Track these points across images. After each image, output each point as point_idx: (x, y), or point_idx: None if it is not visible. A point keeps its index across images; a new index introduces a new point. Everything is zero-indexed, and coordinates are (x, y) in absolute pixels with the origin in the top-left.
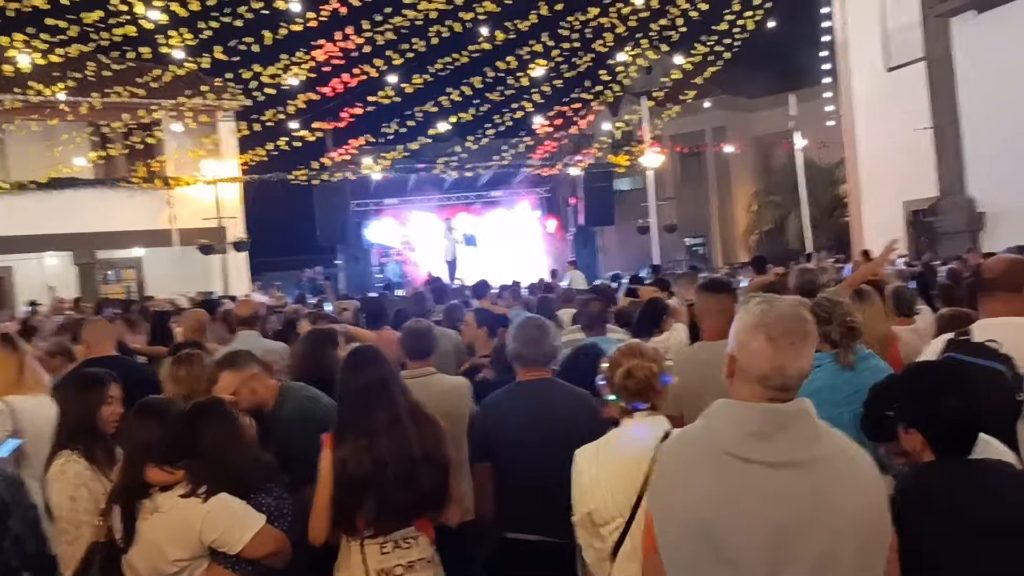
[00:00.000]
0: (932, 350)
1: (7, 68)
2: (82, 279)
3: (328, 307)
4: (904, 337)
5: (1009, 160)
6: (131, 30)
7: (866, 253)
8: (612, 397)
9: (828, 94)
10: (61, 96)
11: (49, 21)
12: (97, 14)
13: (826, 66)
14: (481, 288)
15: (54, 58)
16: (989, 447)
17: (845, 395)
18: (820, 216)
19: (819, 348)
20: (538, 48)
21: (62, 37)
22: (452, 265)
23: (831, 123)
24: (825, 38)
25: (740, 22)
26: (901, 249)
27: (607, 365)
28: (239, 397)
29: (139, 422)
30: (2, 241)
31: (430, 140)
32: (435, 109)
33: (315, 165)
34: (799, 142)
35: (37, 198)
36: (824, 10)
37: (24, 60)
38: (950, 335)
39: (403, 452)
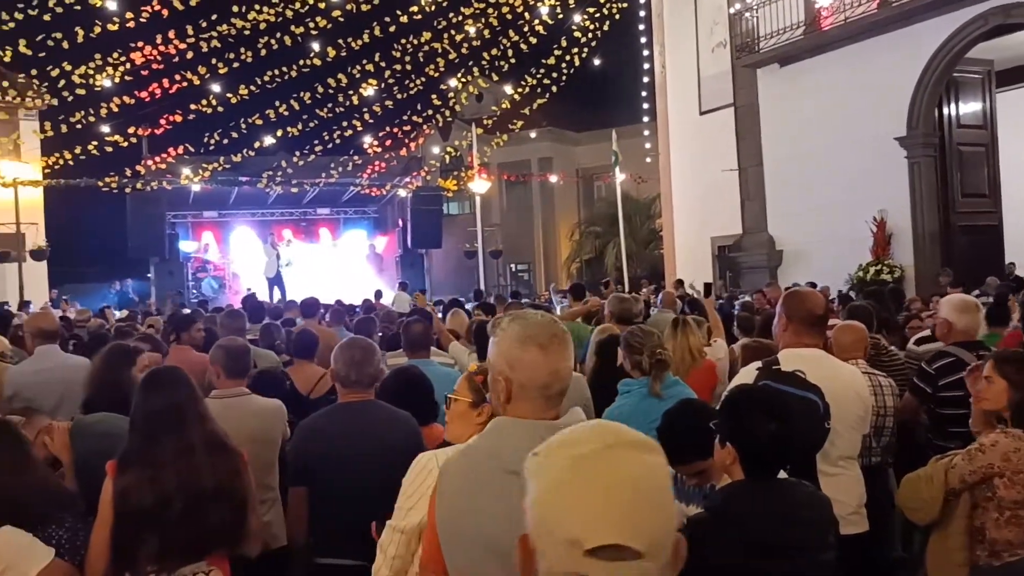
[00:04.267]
0: (744, 378)
1: None
2: None
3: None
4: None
5: (804, 202)
6: None
7: (679, 283)
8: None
9: (647, 132)
10: None
11: None
12: None
13: (646, 105)
14: (310, 307)
15: None
16: None
17: (652, 420)
18: (637, 247)
19: (630, 374)
20: (370, 68)
21: None
22: (273, 282)
23: (649, 160)
24: (645, 79)
25: (568, 58)
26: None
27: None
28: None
29: None
30: None
31: (254, 153)
32: (260, 122)
33: (129, 172)
34: (619, 176)
35: None
36: (645, 53)
37: None
38: (758, 363)
39: (192, 485)
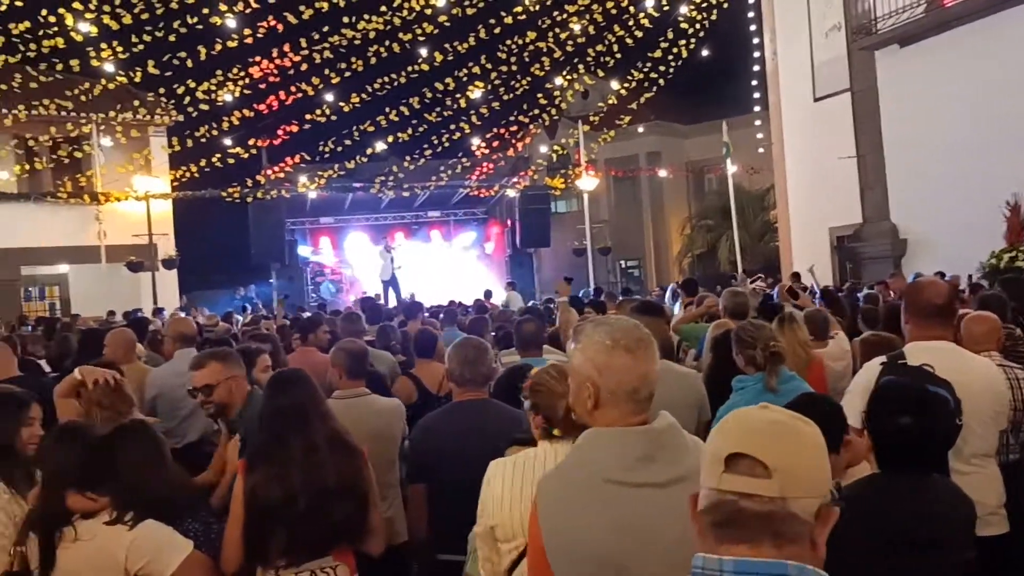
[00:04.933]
0: (868, 373)
1: None
2: (3, 296)
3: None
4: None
5: (928, 188)
6: (60, 42)
7: (796, 276)
8: (546, 429)
9: (759, 122)
10: None
11: None
12: (25, 24)
13: (757, 95)
14: (414, 309)
15: None
16: None
17: None
18: (751, 240)
19: (744, 371)
20: (476, 70)
21: None
22: (387, 285)
23: (762, 150)
24: (756, 68)
25: (674, 50)
26: (825, 274)
27: (539, 390)
28: (215, 392)
29: (59, 446)
30: None
31: (367, 159)
32: (372, 128)
33: (249, 182)
34: (730, 168)
35: None
36: (755, 41)
37: None
38: (883, 358)
39: (316, 483)
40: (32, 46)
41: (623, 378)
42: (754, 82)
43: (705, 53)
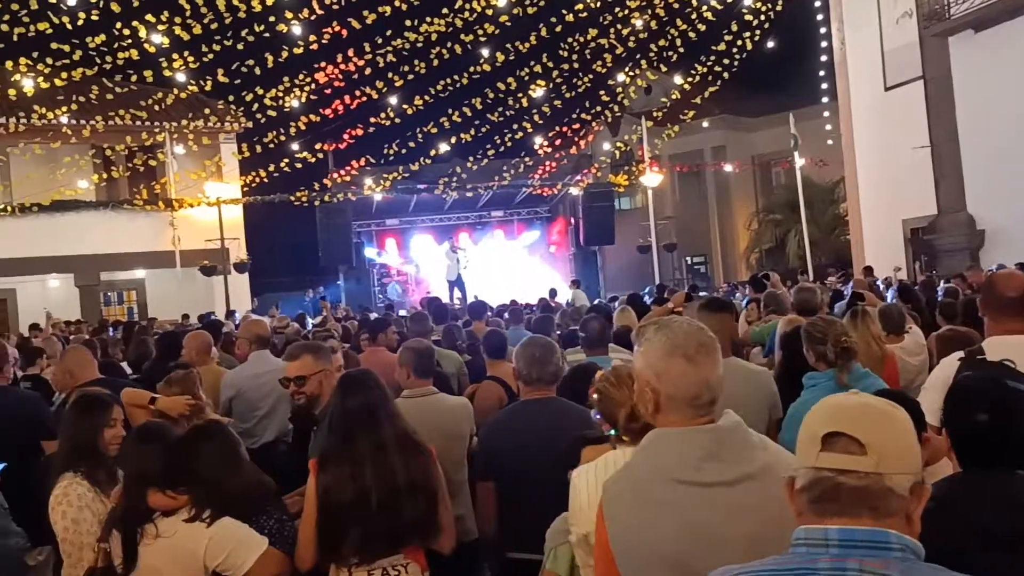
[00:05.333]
0: (945, 369)
1: (11, 91)
2: (84, 301)
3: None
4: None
5: (1008, 177)
6: (134, 53)
7: (868, 270)
8: (613, 433)
9: (827, 113)
10: (64, 119)
11: (53, 45)
12: (100, 38)
13: (825, 85)
14: (478, 309)
15: (58, 81)
16: None
17: None
18: (820, 234)
19: (815, 367)
20: (538, 69)
21: (65, 61)
22: (453, 285)
23: (830, 142)
24: (824, 58)
25: (739, 42)
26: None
27: (598, 397)
28: (307, 384)
29: (140, 446)
30: (4, 264)
31: (431, 161)
32: (436, 130)
33: (317, 186)
34: (798, 161)
35: (40, 221)
36: (823, 30)
37: (28, 83)
38: (960, 353)
39: (387, 482)
40: (108, 59)
41: (681, 384)
42: (822, 72)
43: (770, 44)
